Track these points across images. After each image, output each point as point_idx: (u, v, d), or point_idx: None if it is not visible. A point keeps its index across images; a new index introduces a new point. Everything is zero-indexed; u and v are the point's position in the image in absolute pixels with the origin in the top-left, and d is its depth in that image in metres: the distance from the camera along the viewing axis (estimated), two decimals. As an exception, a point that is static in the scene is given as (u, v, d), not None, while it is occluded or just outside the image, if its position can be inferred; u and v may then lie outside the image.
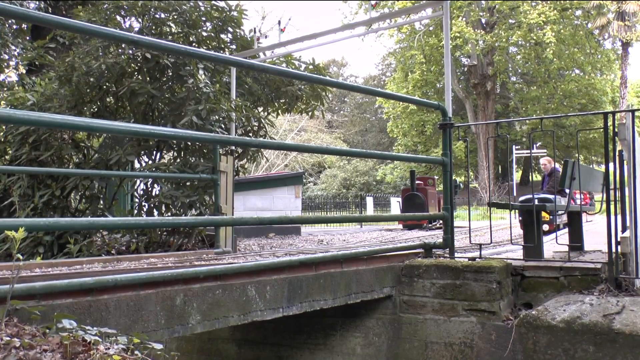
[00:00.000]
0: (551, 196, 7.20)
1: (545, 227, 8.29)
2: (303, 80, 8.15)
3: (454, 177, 5.38)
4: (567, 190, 12.04)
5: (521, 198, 7.57)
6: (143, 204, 7.19)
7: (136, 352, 2.08)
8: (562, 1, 25.25)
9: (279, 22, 6.97)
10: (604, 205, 4.22)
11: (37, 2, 10.66)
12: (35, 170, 6.48)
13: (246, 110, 7.12)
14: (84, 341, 2.01)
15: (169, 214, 6.55)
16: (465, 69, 30.41)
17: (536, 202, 7.75)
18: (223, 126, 6.93)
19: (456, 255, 4.85)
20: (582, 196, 9.83)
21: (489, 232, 5.26)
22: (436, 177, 18.61)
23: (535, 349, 3.85)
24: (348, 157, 38.42)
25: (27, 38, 10.48)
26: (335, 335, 4.74)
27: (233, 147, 6.81)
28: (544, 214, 7.45)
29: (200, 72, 7.07)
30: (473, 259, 4.60)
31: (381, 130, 46.05)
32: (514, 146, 29.22)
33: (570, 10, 26.58)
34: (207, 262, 4.62)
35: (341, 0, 31.25)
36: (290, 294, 3.64)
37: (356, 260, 4.26)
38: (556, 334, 3.76)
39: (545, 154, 29.13)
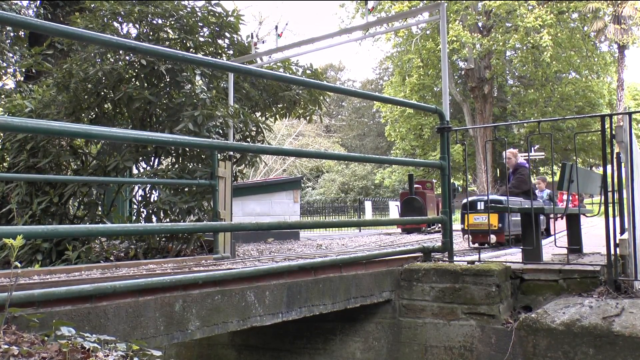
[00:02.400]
0: (503, 197, 6.53)
1: (493, 239, 6.86)
2: (300, 85, 8.16)
3: (452, 181, 5.39)
4: (546, 192, 10.07)
5: (464, 200, 6.93)
6: (141, 210, 7.18)
7: (135, 359, 2.07)
8: (558, 2, 25.34)
9: (276, 27, 6.98)
10: (602, 208, 4.23)
11: (35, 9, 10.68)
12: (33, 178, 6.48)
13: (244, 115, 7.13)
14: (82, 348, 2.00)
15: (168, 220, 6.54)
16: (463, 72, 30.46)
17: (481, 204, 6.91)
18: (221, 131, 6.94)
19: (455, 258, 4.85)
20: (570, 198, 9.37)
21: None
22: (434, 181, 18.62)
23: (535, 352, 3.84)
24: (346, 162, 38.44)
25: (25, 45, 10.48)
26: (335, 339, 4.73)
27: (231, 153, 6.81)
28: (492, 220, 6.54)
29: (198, 77, 7.07)
30: (472, 262, 4.60)
31: (379, 134, 46.11)
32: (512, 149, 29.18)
33: (566, 14, 26.65)
34: (206, 267, 4.61)
35: (338, 0, 31.29)
36: (290, 299, 3.64)
37: (355, 265, 4.25)
38: (556, 336, 3.76)
39: (543, 156, 29.17)
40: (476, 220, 6.86)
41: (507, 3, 24.34)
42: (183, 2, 7.67)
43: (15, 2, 10.38)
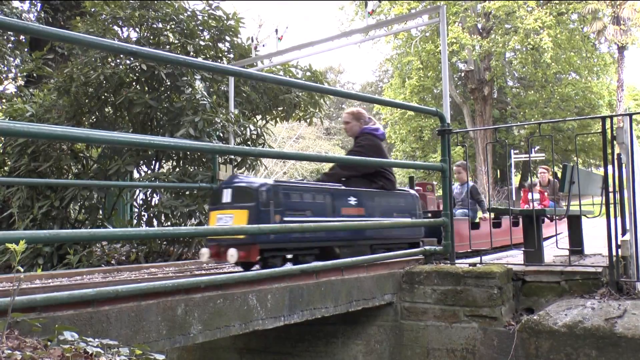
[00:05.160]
0: (257, 181, 3.90)
1: (232, 256, 3.69)
2: (301, 89, 8.17)
3: (453, 182, 5.33)
4: (467, 186, 7.67)
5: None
6: (142, 213, 7.19)
7: (138, 363, 2.07)
8: (557, 4, 25.37)
9: (276, 31, 6.99)
10: (604, 209, 4.22)
11: (36, 13, 10.70)
12: (34, 182, 6.48)
13: (243, 119, 7.14)
14: (85, 353, 2.00)
15: (169, 223, 6.55)
16: (462, 74, 30.50)
17: (228, 194, 3.89)
18: (221, 135, 6.95)
19: (456, 261, 4.85)
20: (540, 196, 7.62)
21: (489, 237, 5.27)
22: (435, 183, 18.59)
23: (537, 354, 3.84)
24: (347, 164, 38.33)
25: (26, 50, 10.50)
26: (337, 342, 4.72)
27: (232, 156, 6.81)
28: (239, 223, 3.58)
29: (197, 82, 7.09)
30: (474, 264, 4.59)
31: (379, 136, 46.02)
32: (512, 150, 29.25)
33: (566, 15, 26.70)
34: (208, 271, 4.61)
35: (337, 0, 31.39)
36: (292, 302, 3.63)
37: (357, 268, 4.25)
38: (558, 338, 3.75)
39: (543, 157, 29.13)
40: (220, 223, 3.92)
41: (506, 5, 24.36)
42: (183, 4, 7.69)
43: (17, 6, 10.40)
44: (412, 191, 5.36)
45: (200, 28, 7.69)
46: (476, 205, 7.14)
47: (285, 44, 7.08)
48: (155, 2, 7.41)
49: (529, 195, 8.86)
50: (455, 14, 25.58)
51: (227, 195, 3.97)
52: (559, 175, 5.51)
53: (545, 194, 8.32)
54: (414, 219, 5.12)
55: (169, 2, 7.55)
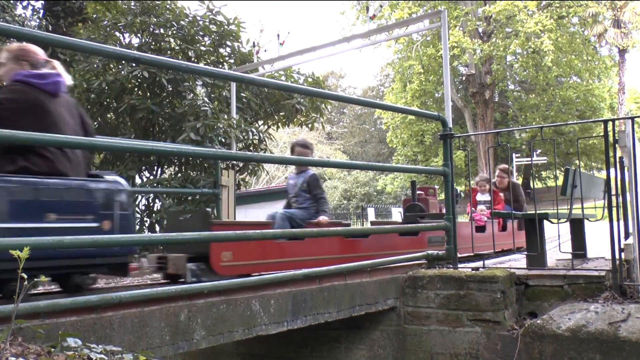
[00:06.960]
0: None
1: None
2: (303, 94, 8.18)
3: (454, 186, 5.27)
4: (303, 177, 5.16)
5: None
6: (145, 219, 7.19)
7: (142, 369, 2.07)
8: (558, 7, 25.40)
9: (278, 36, 7.01)
10: (606, 212, 4.22)
11: (38, 20, 10.74)
12: (37, 188, 6.48)
13: (245, 125, 7.16)
14: (89, 359, 2.00)
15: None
16: (464, 78, 30.53)
17: None
18: (223, 140, 6.96)
19: (459, 265, 4.84)
20: (494, 197, 6.71)
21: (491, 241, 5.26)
22: (437, 187, 18.59)
23: (541, 358, 3.82)
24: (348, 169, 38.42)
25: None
26: (340, 347, 4.71)
27: (234, 161, 6.82)
28: None
29: (199, 87, 7.11)
30: (476, 268, 4.58)
31: (381, 140, 46.14)
32: (513, 154, 29.24)
33: (566, 19, 26.74)
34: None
35: (339, 0, 31.48)
36: (295, 307, 3.63)
37: (360, 273, 4.25)
38: (562, 342, 3.74)
39: (545, 161, 29.12)
40: None
41: (507, 8, 24.40)
42: (184, 3, 7.72)
43: (19, 13, 10.45)
44: (112, 177, 3.13)
45: (201, 33, 7.72)
46: (318, 202, 5.12)
47: (286, 48, 7.10)
48: (157, 7, 7.44)
49: (478, 196, 7.61)
50: (456, 17, 25.63)
51: None
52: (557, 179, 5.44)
53: (501, 194, 7.31)
54: (106, 223, 3.02)
55: (170, 7, 7.58)
